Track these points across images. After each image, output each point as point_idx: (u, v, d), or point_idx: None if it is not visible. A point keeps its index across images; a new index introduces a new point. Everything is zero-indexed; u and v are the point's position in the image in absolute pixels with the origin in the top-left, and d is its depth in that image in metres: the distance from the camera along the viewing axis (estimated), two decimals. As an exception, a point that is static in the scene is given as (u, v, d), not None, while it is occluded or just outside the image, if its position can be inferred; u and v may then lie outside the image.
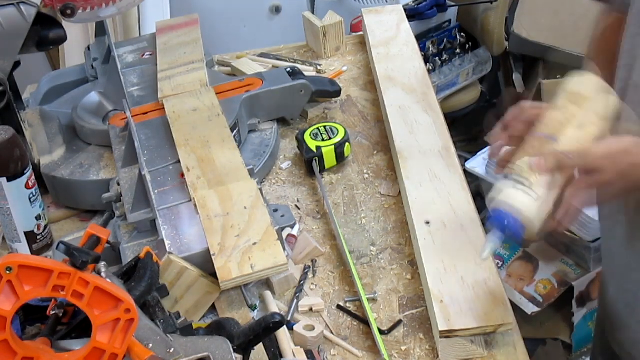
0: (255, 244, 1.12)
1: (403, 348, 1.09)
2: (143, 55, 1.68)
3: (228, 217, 1.17)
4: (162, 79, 1.53)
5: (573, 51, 2.26)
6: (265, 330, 0.96)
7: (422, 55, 1.88)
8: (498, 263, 1.92)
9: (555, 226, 0.96)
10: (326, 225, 1.33)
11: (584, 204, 0.96)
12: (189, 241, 1.15)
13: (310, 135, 1.45)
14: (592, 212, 1.77)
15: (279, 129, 1.54)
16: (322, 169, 1.44)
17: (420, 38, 2.62)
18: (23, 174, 1.24)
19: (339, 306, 1.17)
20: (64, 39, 1.42)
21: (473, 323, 1.03)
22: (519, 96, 2.60)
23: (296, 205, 1.38)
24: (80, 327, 0.98)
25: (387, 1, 2.53)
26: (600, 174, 0.94)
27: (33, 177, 1.27)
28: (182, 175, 1.28)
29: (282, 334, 1.07)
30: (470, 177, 1.71)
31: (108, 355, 0.88)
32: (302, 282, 1.21)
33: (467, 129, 2.91)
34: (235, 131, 1.42)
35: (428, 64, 2.65)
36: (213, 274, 1.14)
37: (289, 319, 1.14)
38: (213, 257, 1.11)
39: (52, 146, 1.45)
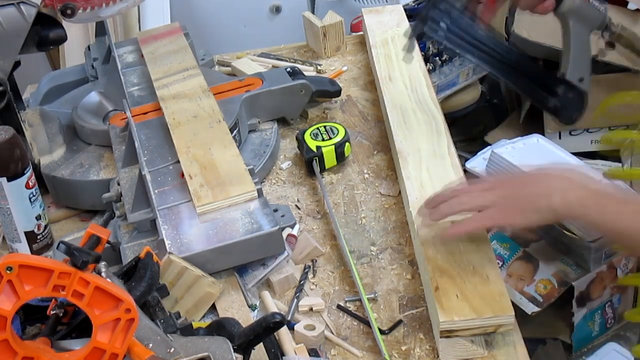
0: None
1: (403, 348, 1.09)
2: (143, 55, 1.67)
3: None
4: (159, 87, 1.51)
5: (573, 51, 2.26)
6: (266, 330, 0.96)
7: (422, 55, 1.88)
8: (498, 263, 1.92)
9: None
10: (326, 225, 1.33)
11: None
12: (189, 241, 1.15)
13: (310, 135, 1.45)
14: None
15: (279, 129, 1.54)
16: (322, 169, 1.44)
17: (420, 38, 2.61)
18: (23, 174, 1.24)
19: (339, 306, 1.17)
20: (64, 39, 1.42)
21: (474, 322, 1.03)
22: None
23: (296, 205, 1.38)
24: (80, 327, 0.98)
25: (387, 1, 2.53)
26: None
27: (33, 177, 1.27)
28: (182, 175, 1.28)
29: (284, 333, 1.07)
30: (470, 177, 1.70)
31: (108, 355, 0.88)
32: (302, 282, 1.21)
33: (467, 129, 2.90)
34: (235, 131, 1.42)
35: (428, 64, 2.64)
36: (213, 274, 1.14)
37: (289, 319, 1.14)
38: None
39: (52, 146, 1.45)
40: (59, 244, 0.88)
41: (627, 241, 1.02)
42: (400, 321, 1.13)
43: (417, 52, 1.69)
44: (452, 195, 1.11)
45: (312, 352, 1.07)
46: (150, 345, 0.91)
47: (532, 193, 1.04)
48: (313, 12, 2.42)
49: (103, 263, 0.93)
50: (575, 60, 1.16)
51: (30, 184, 1.26)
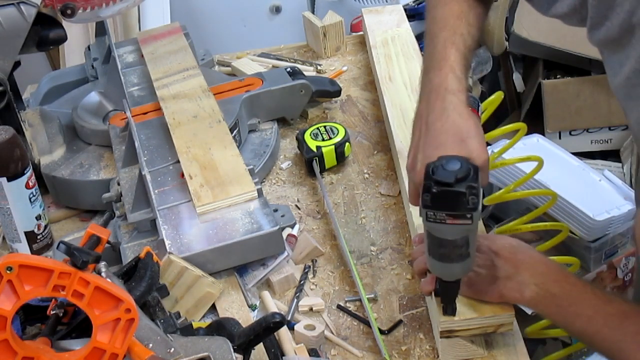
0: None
1: (403, 348, 1.09)
2: (143, 55, 1.67)
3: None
4: (159, 87, 1.51)
5: (573, 51, 2.27)
6: (266, 330, 0.96)
7: (422, 55, 1.88)
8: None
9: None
10: (326, 225, 1.33)
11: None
12: (189, 241, 1.15)
13: (310, 135, 1.45)
14: (592, 212, 1.77)
15: (279, 129, 1.54)
16: (322, 169, 1.44)
17: (420, 38, 2.61)
18: (23, 174, 1.24)
19: (339, 306, 1.17)
20: (64, 39, 1.42)
21: (474, 322, 1.03)
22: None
23: (296, 205, 1.38)
24: (80, 327, 0.98)
25: (387, 1, 2.53)
26: None
27: (33, 177, 1.27)
28: (182, 175, 1.28)
29: (284, 333, 1.07)
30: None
31: (108, 355, 0.88)
32: (302, 282, 1.21)
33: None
34: (235, 131, 1.42)
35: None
36: (213, 274, 1.14)
37: (289, 319, 1.14)
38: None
39: (52, 146, 1.45)
40: (59, 244, 0.88)
41: (596, 345, 0.99)
42: (400, 321, 1.13)
43: (417, 52, 1.69)
44: (415, 256, 1.11)
45: (312, 352, 1.07)
46: (150, 345, 0.91)
47: (501, 277, 1.02)
48: (313, 12, 2.42)
49: (103, 263, 0.94)
50: None
51: (30, 184, 1.26)
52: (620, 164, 2.26)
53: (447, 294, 1.01)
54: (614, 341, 0.95)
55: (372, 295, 1.18)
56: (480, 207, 0.92)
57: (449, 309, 1.02)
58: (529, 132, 1.98)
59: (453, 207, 0.91)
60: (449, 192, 0.90)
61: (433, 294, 1.05)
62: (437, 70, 1.05)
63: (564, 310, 0.99)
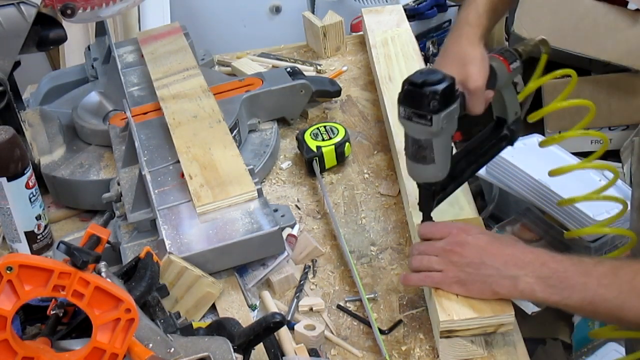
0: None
1: (403, 348, 1.09)
2: (143, 55, 1.67)
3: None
4: (159, 87, 1.51)
5: (573, 51, 2.26)
6: (266, 330, 0.96)
7: (422, 55, 1.88)
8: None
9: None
10: (326, 225, 1.33)
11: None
12: (189, 241, 1.15)
13: (310, 135, 1.45)
14: (593, 212, 1.77)
15: (279, 129, 1.54)
16: (322, 169, 1.44)
17: (420, 38, 2.61)
18: (23, 174, 1.24)
19: (339, 306, 1.17)
20: (64, 39, 1.42)
21: (474, 322, 1.03)
22: None
23: (296, 205, 1.38)
24: (80, 327, 0.98)
25: (387, 1, 2.53)
26: None
27: (33, 177, 1.27)
28: (182, 175, 1.28)
29: (284, 333, 1.07)
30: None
31: (108, 355, 0.88)
32: (302, 282, 1.21)
33: (467, 129, 2.90)
34: (235, 131, 1.42)
35: (428, 64, 2.65)
36: (213, 274, 1.14)
37: (289, 318, 1.14)
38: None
39: (52, 146, 1.45)
40: (59, 244, 0.88)
41: (599, 309, 0.98)
42: (400, 321, 1.13)
43: (417, 52, 1.69)
44: (412, 252, 1.12)
45: (312, 352, 1.07)
46: (150, 345, 0.91)
47: (492, 274, 1.02)
48: (313, 12, 2.42)
49: (103, 263, 0.93)
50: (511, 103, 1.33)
51: (30, 184, 1.26)
52: (620, 164, 2.26)
53: (423, 202, 1.13)
54: (613, 298, 0.96)
55: (372, 295, 1.18)
56: (443, 116, 1.02)
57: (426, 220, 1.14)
58: (528, 132, 1.98)
59: (416, 106, 1.03)
60: (414, 91, 1.03)
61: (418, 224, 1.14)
62: (465, 7, 1.19)
63: (558, 288, 0.99)
